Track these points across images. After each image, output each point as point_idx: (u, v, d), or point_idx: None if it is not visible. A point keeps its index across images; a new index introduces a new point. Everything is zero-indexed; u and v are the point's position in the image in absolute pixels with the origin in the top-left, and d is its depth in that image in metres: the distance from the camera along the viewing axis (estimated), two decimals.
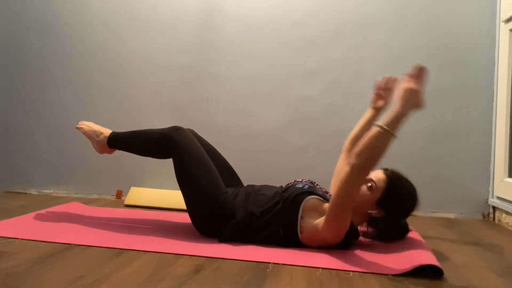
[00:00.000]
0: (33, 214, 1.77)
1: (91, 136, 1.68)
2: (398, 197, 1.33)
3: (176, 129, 1.52)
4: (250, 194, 1.48)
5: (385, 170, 1.37)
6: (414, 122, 2.12)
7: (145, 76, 2.39)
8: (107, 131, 1.67)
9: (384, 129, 1.12)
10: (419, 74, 1.15)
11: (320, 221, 1.28)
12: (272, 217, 1.38)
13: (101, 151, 1.70)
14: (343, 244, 1.31)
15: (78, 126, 1.72)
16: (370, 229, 1.44)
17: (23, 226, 1.55)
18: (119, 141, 1.65)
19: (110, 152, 1.73)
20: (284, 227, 1.35)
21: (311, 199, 1.35)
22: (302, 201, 1.34)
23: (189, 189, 1.48)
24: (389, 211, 1.33)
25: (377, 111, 1.58)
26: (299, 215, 1.33)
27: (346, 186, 1.16)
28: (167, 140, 1.51)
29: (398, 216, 1.38)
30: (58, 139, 2.45)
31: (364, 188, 1.32)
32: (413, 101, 1.13)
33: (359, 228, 1.40)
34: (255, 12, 2.27)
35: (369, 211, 1.34)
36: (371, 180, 1.32)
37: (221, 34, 2.31)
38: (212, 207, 1.43)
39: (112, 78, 2.42)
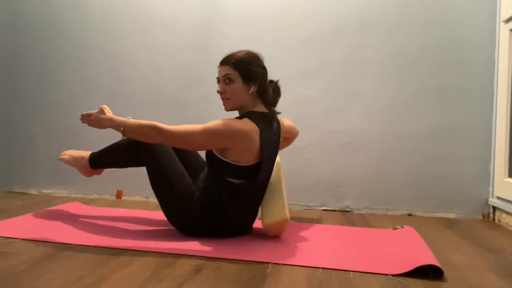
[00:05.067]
0: (33, 214, 1.77)
1: (75, 164, 1.72)
2: (247, 64, 1.48)
3: None
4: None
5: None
6: (414, 122, 2.13)
7: (145, 76, 2.39)
8: (87, 154, 1.71)
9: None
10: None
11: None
12: (209, 177, 1.47)
13: (88, 174, 1.73)
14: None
15: (59, 158, 1.75)
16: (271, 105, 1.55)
17: (23, 226, 1.56)
18: (99, 160, 1.68)
19: (98, 173, 1.76)
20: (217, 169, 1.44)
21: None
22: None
23: (160, 185, 1.52)
24: (254, 76, 1.48)
25: None
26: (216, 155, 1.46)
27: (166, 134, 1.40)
28: (137, 144, 1.56)
29: (259, 70, 1.51)
30: (58, 139, 2.45)
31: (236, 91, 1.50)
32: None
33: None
34: (255, 12, 2.27)
35: (250, 92, 1.48)
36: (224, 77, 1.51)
37: (221, 34, 2.31)
38: (182, 201, 1.46)
39: (112, 78, 2.42)
